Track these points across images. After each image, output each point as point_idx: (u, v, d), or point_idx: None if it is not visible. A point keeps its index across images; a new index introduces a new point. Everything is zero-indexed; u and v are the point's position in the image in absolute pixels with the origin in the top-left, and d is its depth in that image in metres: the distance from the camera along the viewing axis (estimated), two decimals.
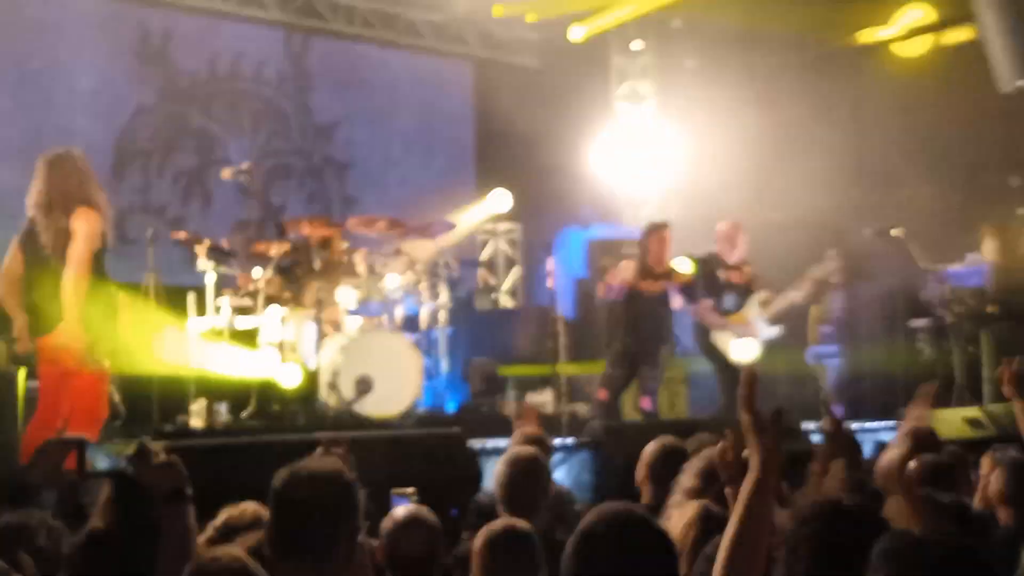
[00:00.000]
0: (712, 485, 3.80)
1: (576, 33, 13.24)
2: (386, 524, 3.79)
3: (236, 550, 3.09)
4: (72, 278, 6.23)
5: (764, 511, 2.67)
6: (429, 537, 3.76)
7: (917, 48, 12.07)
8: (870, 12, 12.27)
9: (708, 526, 3.48)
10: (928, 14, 11.91)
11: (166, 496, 3.22)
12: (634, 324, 8.67)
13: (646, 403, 8.62)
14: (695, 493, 3.95)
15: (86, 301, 6.26)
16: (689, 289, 8.76)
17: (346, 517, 3.09)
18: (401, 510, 3.87)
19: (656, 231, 8.80)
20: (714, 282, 9.03)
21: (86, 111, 11.28)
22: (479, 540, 3.66)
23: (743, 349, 9.04)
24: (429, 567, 3.74)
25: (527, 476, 4.52)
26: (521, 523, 3.77)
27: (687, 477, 4.06)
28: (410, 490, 4.19)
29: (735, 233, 9.18)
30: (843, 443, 4.53)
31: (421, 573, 3.71)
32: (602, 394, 8.68)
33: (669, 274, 8.65)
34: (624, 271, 8.65)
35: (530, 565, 3.59)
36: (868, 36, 12.42)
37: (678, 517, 3.56)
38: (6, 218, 10.45)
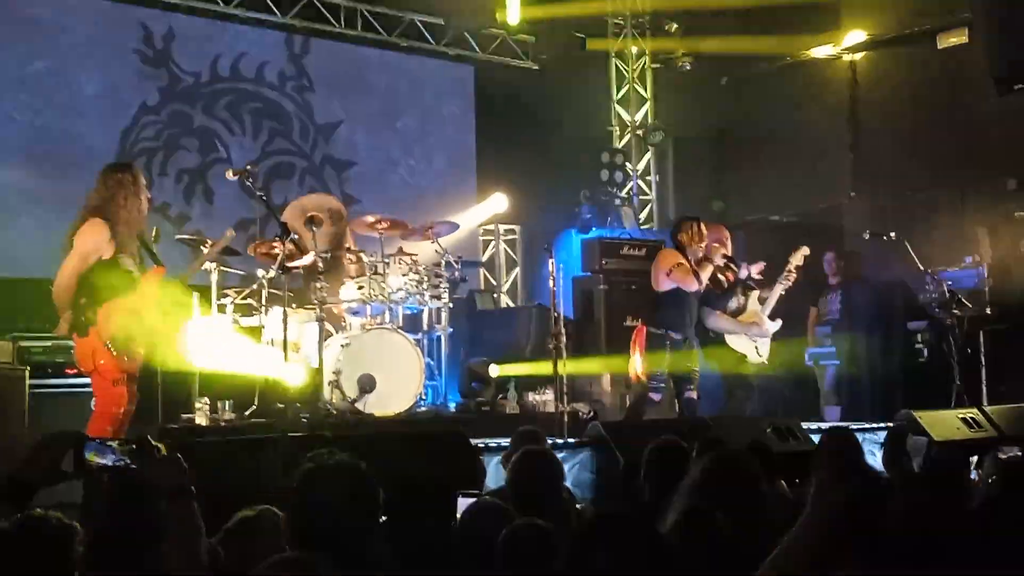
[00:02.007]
0: (719, 483, 3.82)
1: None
2: (463, 514, 3.95)
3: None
4: (55, 285, 6.52)
5: None
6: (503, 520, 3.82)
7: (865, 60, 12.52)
8: (815, 31, 12.57)
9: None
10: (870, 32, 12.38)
11: (169, 492, 3.21)
12: (684, 317, 8.76)
13: (693, 394, 8.76)
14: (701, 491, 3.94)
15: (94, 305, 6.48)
16: (714, 295, 8.90)
17: (366, 513, 3.12)
18: (475, 502, 4.07)
19: (690, 223, 8.87)
20: (719, 285, 9.10)
21: (90, 111, 11.34)
22: (500, 539, 3.62)
23: (757, 349, 9.11)
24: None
25: (540, 473, 4.52)
26: (539, 521, 3.78)
27: (695, 473, 4.05)
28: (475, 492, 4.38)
29: (722, 235, 9.25)
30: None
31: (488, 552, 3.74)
32: (693, 392, 8.77)
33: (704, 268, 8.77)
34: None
35: (548, 563, 3.61)
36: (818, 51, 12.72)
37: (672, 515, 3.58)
38: (10, 217, 10.59)
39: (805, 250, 9.36)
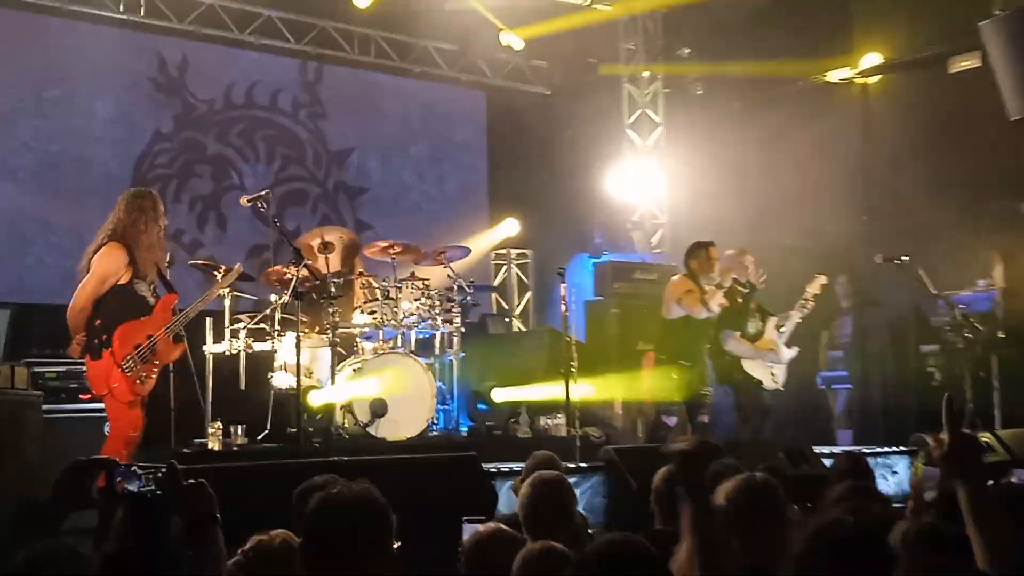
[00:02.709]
0: (746, 508, 3.79)
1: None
2: (469, 541, 3.92)
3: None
4: (71, 307, 6.66)
5: None
6: (513, 547, 3.80)
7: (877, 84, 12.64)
8: (827, 55, 12.69)
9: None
10: (882, 56, 12.45)
11: (196, 519, 3.19)
12: (694, 344, 8.78)
13: (705, 418, 8.80)
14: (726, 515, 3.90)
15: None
16: (733, 317, 8.91)
17: (380, 541, 3.09)
18: (483, 527, 4.04)
19: (701, 249, 8.89)
20: (736, 307, 9.11)
21: (103, 138, 11.43)
22: (516, 562, 3.61)
23: (773, 376, 9.11)
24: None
25: (551, 499, 4.51)
26: (558, 545, 3.75)
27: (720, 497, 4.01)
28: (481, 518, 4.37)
29: (743, 258, 9.24)
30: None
31: None
32: (705, 416, 8.83)
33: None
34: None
35: None
36: (831, 75, 12.80)
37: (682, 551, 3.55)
38: (22, 241, 10.67)
39: (823, 279, 9.37)
